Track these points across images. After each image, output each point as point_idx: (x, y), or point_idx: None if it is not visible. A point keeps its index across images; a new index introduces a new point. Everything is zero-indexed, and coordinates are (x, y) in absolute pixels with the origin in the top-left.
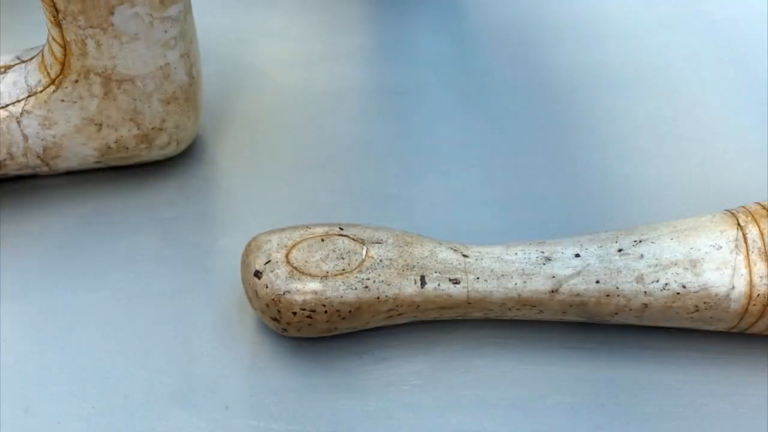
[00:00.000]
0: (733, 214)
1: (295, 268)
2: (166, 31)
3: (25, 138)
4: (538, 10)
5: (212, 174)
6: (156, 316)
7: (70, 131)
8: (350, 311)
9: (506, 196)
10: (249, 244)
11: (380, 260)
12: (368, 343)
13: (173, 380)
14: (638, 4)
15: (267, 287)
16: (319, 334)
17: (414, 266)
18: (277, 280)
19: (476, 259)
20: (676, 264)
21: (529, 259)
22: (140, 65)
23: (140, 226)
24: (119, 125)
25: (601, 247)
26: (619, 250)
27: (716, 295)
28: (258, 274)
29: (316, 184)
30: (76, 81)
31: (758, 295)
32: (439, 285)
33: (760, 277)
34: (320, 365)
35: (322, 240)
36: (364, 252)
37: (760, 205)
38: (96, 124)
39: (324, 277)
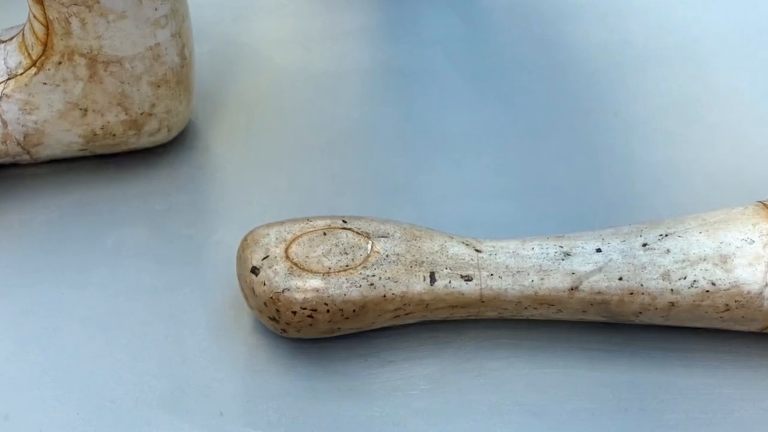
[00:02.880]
0: (766, 205)
1: (295, 264)
2: (156, 9)
3: (5, 124)
4: None
5: (206, 162)
6: (145, 315)
7: (53, 117)
8: (354, 310)
9: (522, 185)
10: (245, 238)
11: (386, 255)
12: (373, 345)
13: (164, 384)
14: None
15: (265, 284)
16: (321, 335)
17: (423, 262)
18: (276, 276)
19: (490, 255)
20: (704, 260)
21: (547, 254)
22: (128, 45)
23: (128, 218)
24: (106, 110)
25: (624, 241)
26: (644, 245)
27: (748, 293)
28: (255, 271)
29: (317, 173)
30: (60, 63)
31: None
32: (450, 282)
33: None
34: (322, 368)
35: (324, 234)
36: (369, 247)
37: None
38: (81, 109)
39: (326, 273)
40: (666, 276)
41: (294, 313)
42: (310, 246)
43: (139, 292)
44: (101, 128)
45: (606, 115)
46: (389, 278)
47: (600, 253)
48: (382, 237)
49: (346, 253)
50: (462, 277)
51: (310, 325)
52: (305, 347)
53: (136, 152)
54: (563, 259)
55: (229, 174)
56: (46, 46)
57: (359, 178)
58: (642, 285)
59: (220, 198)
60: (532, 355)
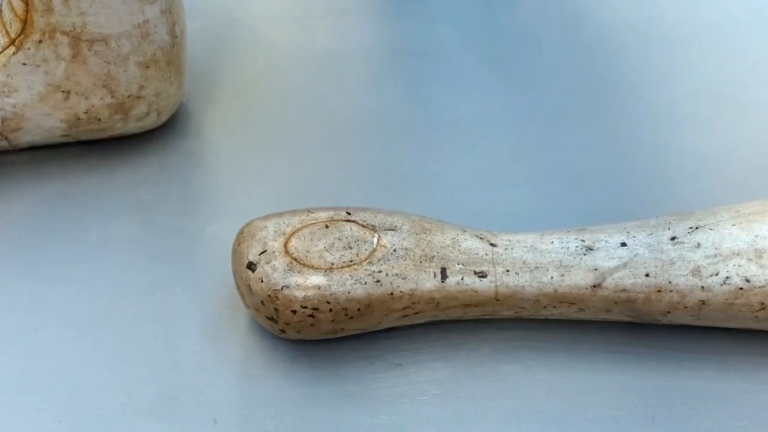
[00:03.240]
0: None
1: (295, 259)
2: None
3: None
4: None
5: (198, 149)
6: (133, 315)
7: (33, 100)
8: (359, 309)
9: (540, 175)
10: (241, 232)
11: (394, 250)
12: (380, 347)
13: (153, 390)
14: None
15: (262, 281)
16: (323, 336)
17: (433, 257)
18: (274, 273)
19: (506, 249)
20: (738, 254)
21: (568, 248)
22: (114, 23)
23: (115, 210)
24: (90, 93)
25: (651, 234)
26: (673, 239)
27: None
28: (252, 267)
29: (318, 161)
30: (40, 41)
31: None
32: (462, 279)
33: None
34: (324, 372)
35: (327, 226)
36: (375, 240)
37: None
38: (63, 92)
39: (328, 269)
40: (696, 272)
41: (294, 312)
42: (312, 240)
43: (127, 291)
44: (85, 112)
45: (631, 99)
46: (397, 275)
47: (625, 247)
48: (389, 230)
49: (350, 248)
50: (475, 273)
51: (311, 325)
52: (306, 349)
53: (123, 138)
54: (585, 254)
55: (224, 162)
56: (25, 23)
57: (364, 167)
58: (670, 282)
59: (214, 188)
60: (552, 358)
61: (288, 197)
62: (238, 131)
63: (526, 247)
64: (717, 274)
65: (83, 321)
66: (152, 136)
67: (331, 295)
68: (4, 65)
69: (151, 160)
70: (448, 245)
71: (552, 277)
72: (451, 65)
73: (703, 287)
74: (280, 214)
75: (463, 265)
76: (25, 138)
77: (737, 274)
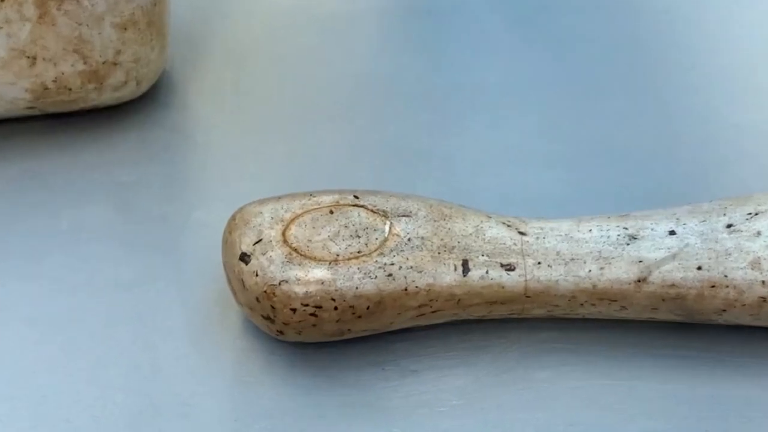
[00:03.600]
0: None
1: (295, 250)
2: None
3: None
4: None
5: (184, 124)
6: (109, 314)
7: None
8: (368, 307)
9: (576, 152)
10: (233, 218)
11: (408, 239)
12: (392, 351)
13: (132, 400)
14: None
15: (257, 275)
16: (327, 338)
17: (454, 247)
18: (271, 265)
19: (537, 238)
20: None
21: (608, 237)
22: None
23: (88, 193)
24: (59, 58)
25: (704, 221)
26: (728, 226)
27: None
28: (245, 258)
29: (322, 138)
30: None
31: None
32: (487, 272)
33: None
34: (328, 380)
35: (331, 212)
36: (386, 228)
37: None
38: (28, 57)
39: (333, 261)
40: (756, 264)
41: (293, 310)
42: (314, 227)
43: (102, 286)
44: (54, 81)
45: (681, 66)
46: (412, 267)
47: (674, 236)
48: (403, 216)
49: (358, 236)
50: (502, 266)
51: (314, 325)
52: (307, 353)
53: (98, 111)
54: (628, 244)
55: (213, 139)
56: None
57: (374, 144)
58: (726, 276)
59: (202, 168)
60: (590, 364)
61: (287, 179)
62: (230, 103)
63: (561, 235)
64: None
65: (51, 321)
66: (131, 109)
67: (336, 290)
68: None
69: (130, 137)
70: (470, 234)
71: (590, 271)
72: (474, 27)
73: (763, 282)
74: (278, 199)
75: (487, 256)
76: None
77: None
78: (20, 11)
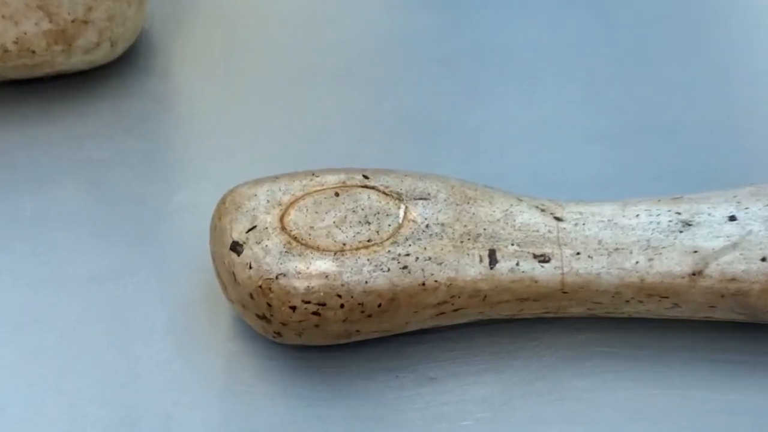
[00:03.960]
0: None
1: (295, 238)
2: None
3: None
4: None
5: (165, 92)
6: (80, 313)
7: None
8: (380, 305)
9: (621, 126)
10: (223, 201)
11: (426, 226)
12: (408, 356)
13: (106, 412)
14: None
15: (251, 268)
16: (332, 341)
17: (479, 235)
18: (267, 256)
19: (575, 225)
20: None
21: (658, 224)
22: None
23: (55, 172)
24: (21, 16)
25: None
26: None
27: None
28: (237, 248)
29: (326, 108)
30: None
31: None
32: (517, 264)
33: None
34: (333, 390)
35: (337, 195)
36: (401, 213)
37: None
38: None
39: (339, 251)
40: None
41: (293, 308)
42: (317, 212)
43: (70, 281)
44: (15, 42)
45: (744, 27)
46: (430, 258)
47: (734, 222)
48: (421, 199)
49: (368, 223)
50: (535, 256)
51: (316, 326)
52: (309, 359)
53: (66, 77)
54: (682, 231)
55: (200, 109)
56: None
57: (387, 116)
58: None
59: (187, 143)
60: (637, 370)
61: (285, 156)
62: (219, 68)
63: (603, 221)
64: None
65: (14, 321)
66: (105, 75)
67: (342, 285)
68: None
69: (103, 107)
70: (498, 219)
71: (637, 262)
72: None
73: None
74: (275, 179)
75: (518, 245)
76: None
77: None
78: None
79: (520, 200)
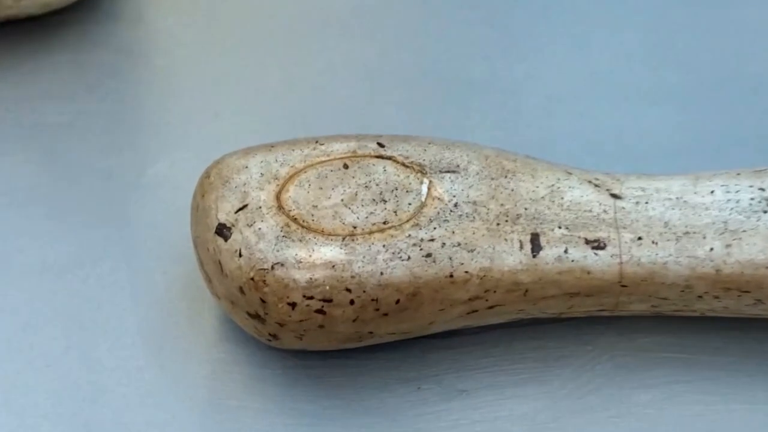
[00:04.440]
0: None
1: (294, 220)
2: None
3: None
4: None
5: (137, 42)
6: (31, 310)
7: None
8: (398, 301)
9: (693, 83)
10: (207, 175)
11: (455, 204)
12: (432, 363)
13: (66, 428)
14: None
15: (241, 256)
16: (340, 345)
17: (519, 216)
18: (260, 241)
19: (637, 203)
20: None
21: (738, 202)
22: None
23: (4, 140)
24: None
25: None
26: None
27: None
28: (224, 232)
29: (331, 61)
30: None
31: None
32: (566, 251)
33: None
34: (341, 404)
35: (346, 167)
36: (423, 189)
37: None
38: None
39: (349, 236)
40: None
41: (292, 305)
42: (321, 188)
43: (21, 271)
44: None
45: None
46: (459, 245)
47: None
48: (448, 172)
49: (384, 201)
50: (588, 242)
51: (321, 326)
52: (312, 366)
53: (15, 24)
54: (766, 211)
55: (179, 62)
56: None
57: (406, 71)
58: None
59: (163, 104)
60: (712, 381)
61: (282, 119)
62: (202, 13)
63: (670, 199)
64: None
65: None
66: (63, 22)
67: (352, 278)
68: None
69: (61, 60)
70: (542, 197)
71: (712, 249)
72: None
73: None
74: (270, 147)
75: (567, 228)
76: None
77: None
78: None
79: (569, 173)
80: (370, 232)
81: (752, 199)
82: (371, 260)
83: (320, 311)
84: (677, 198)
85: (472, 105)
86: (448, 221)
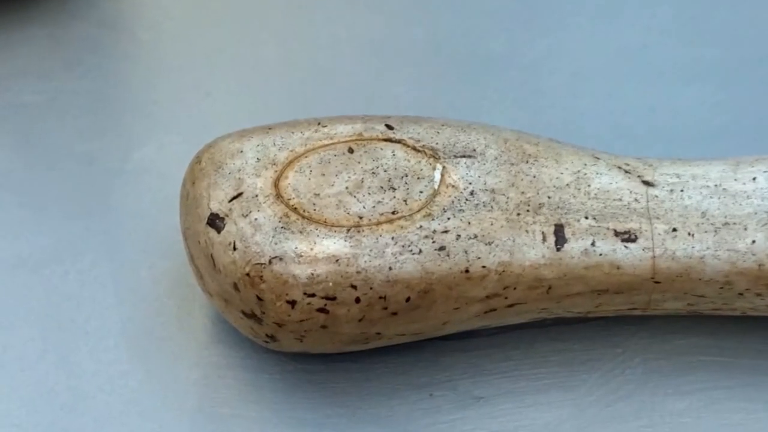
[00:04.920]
0: None
1: (294, 210)
2: None
3: None
4: None
5: (119, 14)
6: (5, 308)
7: None
8: (408, 299)
9: (731, 58)
10: (198, 160)
11: (471, 193)
12: (446, 367)
13: None
14: None
15: (235, 249)
16: (344, 347)
17: (541, 205)
18: (257, 233)
19: (671, 191)
20: None
21: None
22: None
23: None
24: None
25: None
26: None
27: None
28: (217, 222)
29: (334, 34)
30: None
31: None
32: (593, 244)
33: None
34: (345, 412)
35: (351, 151)
36: (437, 175)
37: None
38: None
39: (354, 227)
40: None
41: (292, 304)
42: (324, 175)
43: None
44: None
45: None
46: (476, 237)
47: None
48: (463, 157)
49: (393, 189)
50: (617, 234)
51: (324, 327)
52: (313, 372)
53: None
54: None
55: (166, 36)
56: None
57: (416, 45)
58: None
59: (149, 82)
60: (754, 387)
61: (281, 98)
62: None
63: (708, 187)
64: None
65: None
66: None
67: (358, 273)
68: None
69: (38, 35)
70: (567, 184)
71: (754, 242)
72: None
73: None
74: (267, 130)
75: (594, 219)
76: None
77: None
78: None
79: (597, 158)
80: (378, 223)
81: None
82: (379, 254)
83: (322, 310)
84: (716, 185)
85: (490, 83)
86: (463, 211)
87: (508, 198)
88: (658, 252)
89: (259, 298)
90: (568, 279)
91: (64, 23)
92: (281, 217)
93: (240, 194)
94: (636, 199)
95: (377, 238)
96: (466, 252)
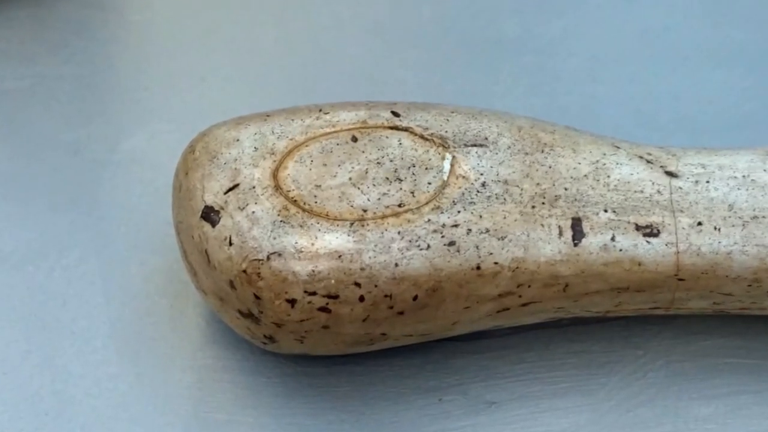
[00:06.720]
0: None
1: (294, 202)
2: None
3: None
4: None
5: None
6: None
7: None
8: (416, 297)
9: (760, 41)
10: (192, 149)
11: (482, 184)
12: (455, 371)
13: None
14: None
15: (231, 245)
16: (347, 349)
17: (558, 197)
18: (254, 227)
19: (696, 182)
20: None
21: None
22: None
23: None
24: None
25: None
26: None
27: None
28: (212, 216)
29: (336, 15)
30: None
31: None
32: (613, 239)
33: None
34: (349, 418)
35: (354, 139)
36: (446, 166)
37: None
38: None
39: (358, 221)
40: None
41: (291, 302)
42: (326, 165)
43: None
44: None
45: None
46: (488, 231)
47: None
48: (474, 146)
49: (400, 180)
50: (638, 228)
51: (326, 327)
52: (314, 375)
53: None
54: None
55: (158, 19)
56: None
57: (423, 27)
58: None
59: (139, 66)
60: None
61: (279, 83)
62: None
63: (735, 178)
64: None
65: None
66: None
67: (362, 270)
68: None
69: (20, 16)
70: (585, 175)
71: None
72: None
73: None
74: (265, 117)
75: (614, 212)
76: None
77: None
78: None
79: (617, 147)
80: (383, 217)
81: None
82: (384, 249)
83: (324, 309)
84: (743, 176)
85: (503, 67)
86: (474, 204)
87: (522, 190)
88: (682, 247)
89: (257, 297)
90: (586, 276)
91: (48, 3)
92: (280, 210)
93: (236, 186)
94: (659, 191)
95: (382, 233)
96: (477, 247)
